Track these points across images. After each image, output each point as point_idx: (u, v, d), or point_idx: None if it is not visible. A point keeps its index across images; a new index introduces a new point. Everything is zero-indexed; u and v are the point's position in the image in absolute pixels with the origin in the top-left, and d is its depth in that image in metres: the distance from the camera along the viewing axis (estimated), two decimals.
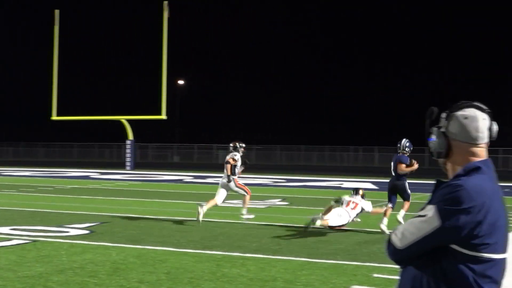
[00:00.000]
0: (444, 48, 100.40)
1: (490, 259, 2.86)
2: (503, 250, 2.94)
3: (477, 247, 2.84)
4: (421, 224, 2.86)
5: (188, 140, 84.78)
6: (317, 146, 76.78)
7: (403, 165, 14.62)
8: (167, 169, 51.74)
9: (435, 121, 3.10)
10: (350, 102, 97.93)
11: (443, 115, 3.08)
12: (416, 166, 14.72)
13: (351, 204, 14.74)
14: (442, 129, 3.05)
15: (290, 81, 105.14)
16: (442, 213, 2.82)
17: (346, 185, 32.53)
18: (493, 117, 3.05)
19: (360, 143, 76.16)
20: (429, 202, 2.92)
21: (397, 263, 2.99)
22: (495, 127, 3.06)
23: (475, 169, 2.93)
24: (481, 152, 3.01)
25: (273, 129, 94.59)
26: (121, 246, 11.59)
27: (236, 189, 16.63)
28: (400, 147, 14.91)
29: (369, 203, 15.26)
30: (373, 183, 33.96)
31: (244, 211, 16.70)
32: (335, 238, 13.22)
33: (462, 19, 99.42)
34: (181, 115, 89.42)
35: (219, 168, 57.41)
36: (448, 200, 2.84)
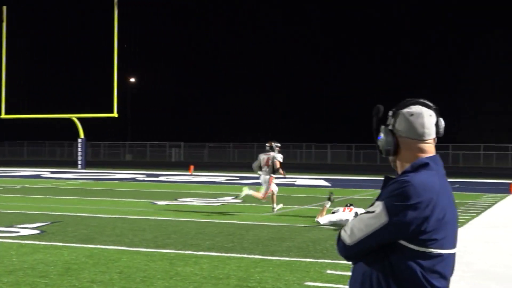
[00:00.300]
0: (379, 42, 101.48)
1: (438, 255, 2.89)
2: (452, 246, 2.97)
3: (425, 243, 2.86)
4: (369, 220, 2.88)
5: (141, 138, 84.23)
6: None
7: None
8: (120, 168, 51.34)
9: (383, 119, 3.13)
10: (304, 99, 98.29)
11: (390, 113, 3.12)
12: None
13: (346, 209, 15.00)
14: (390, 127, 3.08)
15: (240, 76, 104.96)
16: (390, 209, 2.84)
17: (299, 182, 32.69)
18: (439, 114, 3.09)
19: (313, 140, 76.59)
20: (378, 199, 2.94)
21: (347, 259, 3.00)
22: (442, 123, 3.10)
23: (423, 165, 2.96)
24: (429, 148, 3.04)
25: (226, 126, 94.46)
26: (72, 246, 11.46)
27: (266, 185, 17.29)
28: None
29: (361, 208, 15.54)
30: (326, 180, 34.19)
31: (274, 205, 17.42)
32: (288, 235, 13.27)
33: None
34: (133, 113, 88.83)
35: (172, 166, 57.34)
36: (396, 196, 2.86)
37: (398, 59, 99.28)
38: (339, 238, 2.98)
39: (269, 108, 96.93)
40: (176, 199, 21.33)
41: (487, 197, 24.16)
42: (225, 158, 77.35)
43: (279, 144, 17.44)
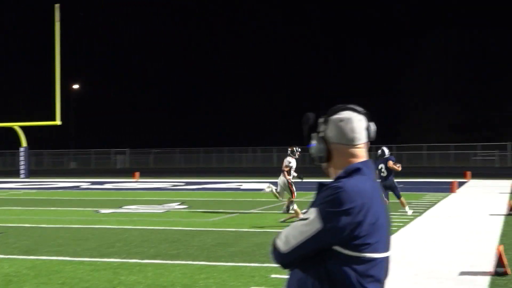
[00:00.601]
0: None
1: (372, 259, 2.92)
2: (385, 249, 3.00)
3: (358, 248, 2.89)
4: (303, 227, 2.90)
5: (85, 146, 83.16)
6: (215, 148, 76.85)
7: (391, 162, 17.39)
8: (64, 176, 50.64)
9: (314, 127, 3.16)
10: (245, 104, 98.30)
11: (321, 120, 3.15)
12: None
13: None
14: (321, 134, 3.11)
15: (187, 80, 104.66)
16: (323, 215, 2.86)
17: (245, 186, 32.72)
18: (369, 118, 3.13)
19: (259, 144, 76.77)
20: (312, 205, 2.96)
21: (283, 267, 3.01)
22: (373, 127, 3.14)
23: (356, 170, 3.00)
24: (360, 153, 3.08)
25: (172, 132, 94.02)
26: (14, 258, 11.25)
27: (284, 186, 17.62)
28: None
29: None
30: (272, 183, 34.23)
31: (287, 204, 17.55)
32: (233, 240, 13.26)
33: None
34: (76, 120, 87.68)
35: (118, 173, 56.77)
36: (329, 202, 2.88)
37: (344, 60, 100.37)
38: (274, 246, 2.99)
39: (217, 112, 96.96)
40: (120, 207, 21.13)
41: (429, 196, 24.56)
42: (171, 163, 76.94)
43: (299, 149, 17.53)
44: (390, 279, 9.83)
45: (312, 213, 2.90)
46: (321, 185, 3.01)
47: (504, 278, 9.20)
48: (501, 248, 9.67)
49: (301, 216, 2.99)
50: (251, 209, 20.19)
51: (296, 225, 2.94)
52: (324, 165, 3.15)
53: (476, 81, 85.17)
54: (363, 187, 2.93)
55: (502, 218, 16.79)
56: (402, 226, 15.27)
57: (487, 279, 9.15)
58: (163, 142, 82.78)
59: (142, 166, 74.34)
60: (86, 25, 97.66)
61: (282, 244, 2.94)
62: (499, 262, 9.41)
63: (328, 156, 3.09)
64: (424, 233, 14.15)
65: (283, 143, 73.30)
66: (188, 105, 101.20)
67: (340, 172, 3.02)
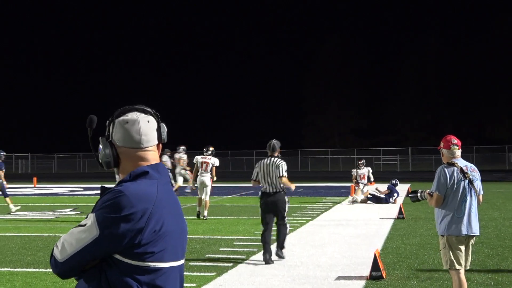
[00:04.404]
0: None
1: (157, 268, 2.72)
2: (175, 258, 2.81)
3: (140, 256, 2.68)
4: (80, 234, 2.68)
5: None
6: None
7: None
8: None
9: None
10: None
11: (107, 122, 2.94)
12: None
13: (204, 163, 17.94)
14: (108, 138, 2.91)
15: (86, 82, 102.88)
16: (101, 221, 2.65)
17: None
18: (159, 119, 2.95)
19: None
20: (92, 210, 2.74)
21: (61, 276, 2.78)
22: (164, 128, 2.97)
23: (142, 173, 2.80)
24: (150, 156, 2.88)
25: (75, 135, 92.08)
26: None
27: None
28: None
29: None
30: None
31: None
32: None
33: None
34: None
35: (19, 178, 55.05)
36: (107, 207, 2.67)
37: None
38: (52, 253, 2.76)
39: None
40: (9, 213, 20.37)
41: (326, 200, 24.79)
42: (74, 168, 75.40)
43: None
44: (266, 283, 9.65)
45: (90, 219, 2.68)
46: (103, 188, 2.80)
47: (379, 282, 9.23)
48: (377, 252, 9.71)
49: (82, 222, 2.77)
50: None
51: (73, 231, 2.72)
52: (116, 170, 2.94)
53: (375, 86, 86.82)
54: (147, 191, 2.73)
55: (391, 222, 17.02)
56: (292, 231, 15.25)
57: (362, 283, 9.16)
58: (67, 146, 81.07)
59: (45, 171, 72.53)
60: None
61: (58, 252, 2.71)
62: (375, 266, 9.44)
63: (116, 161, 2.88)
64: (312, 238, 14.15)
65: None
66: (86, 108, 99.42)
67: (125, 176, 2.81)
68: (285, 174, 11.28)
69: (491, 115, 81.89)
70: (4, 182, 20.83)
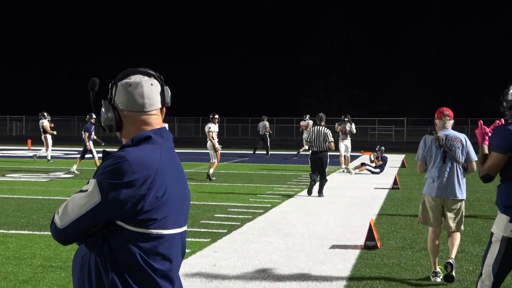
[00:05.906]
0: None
1: (159, 235, 2.66)
2: (177, 225, 2.75)
3: (143, 223, 2.62)
4: (81, 200, 2.61)
5: None
6: None
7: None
8: None
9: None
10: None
11: (110, 85, 2.86)
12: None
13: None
14: (110, 101, 2.82)
15: (80, 49, 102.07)
16: (103, 187, 2.58)
17: None
18: (164, 82, 2.87)
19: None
20: (94, 175, 2.67)
21: (62, 243, 2.72)
22: (168, 92, 2.88)
23: (144, 138, 2.72)
24: (154, 120, 2.80)
25: (69, 98, 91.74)
26: None
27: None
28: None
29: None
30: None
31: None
32: None
33: None
34: None
35: (13, 140, 55.04)
36: (109, 172, 2.60)
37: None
38: (53, 220, 2.69)
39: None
40: (4, 175, 20.31)
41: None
42: (69, 131, 75.21)
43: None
44: (260, 251, 9.64)
45: (91, 185, 2.61)
46: (105, 153, 2.72)
47: (373, 251, 9.22)
48: (372, 221, 9.70)
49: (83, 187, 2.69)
50: None
51: (74, 197, 2.64)
52: (118, 134, 2.85)
53: (375, 56, 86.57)
54: (149, 157, 2.66)
55: (386, 192, 17.02)
56: (287, 199, 15.25)
57: (356, 253, 9.15)
58: (61, 109, 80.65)
59: (38, 133, 72.21)
60: None
61: (59, 218, 2.64)
62: (370, 236, 9.43)
63: (119, 125, 2.80)
64: (307, 206, 14.13)
65: (183, 114, 73.04)
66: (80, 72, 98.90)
67: (128, 141, 2.74)
68: (332, 139, 15.83)
69: (488, 88, 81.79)
70: (88, 144, 21.47)
